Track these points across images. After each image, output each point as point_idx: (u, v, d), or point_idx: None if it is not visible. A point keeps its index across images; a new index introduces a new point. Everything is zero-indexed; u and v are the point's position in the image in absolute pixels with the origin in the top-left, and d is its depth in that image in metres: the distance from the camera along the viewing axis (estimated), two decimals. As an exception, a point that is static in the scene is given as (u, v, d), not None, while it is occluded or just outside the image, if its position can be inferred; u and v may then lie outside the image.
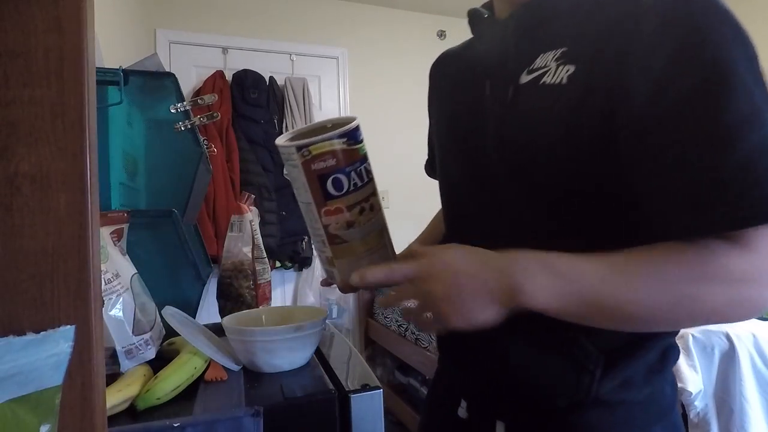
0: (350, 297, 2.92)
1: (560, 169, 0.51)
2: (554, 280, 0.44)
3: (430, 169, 0.86)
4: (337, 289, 0.65)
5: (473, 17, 0.67)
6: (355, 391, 0.65)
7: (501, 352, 0.57)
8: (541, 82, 0.52)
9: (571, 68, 0.50)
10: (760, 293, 0.42)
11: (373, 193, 0.63)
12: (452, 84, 0.70)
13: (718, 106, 0.41)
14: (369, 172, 0.62)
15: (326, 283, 0.70)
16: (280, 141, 0.59)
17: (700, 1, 0.44)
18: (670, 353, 0.56)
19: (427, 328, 0.51)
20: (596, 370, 0.51)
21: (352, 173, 0.60)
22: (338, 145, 0.57)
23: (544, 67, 0.53)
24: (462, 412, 0.63)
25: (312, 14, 3.01)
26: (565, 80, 0.50)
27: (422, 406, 0.81)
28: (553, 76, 0.51)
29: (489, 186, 0.60)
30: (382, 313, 2.68)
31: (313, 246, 0.67)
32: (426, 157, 0.87)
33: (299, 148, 0.56)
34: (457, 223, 0.70)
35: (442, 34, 3.27)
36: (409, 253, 0.55)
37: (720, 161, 0.41)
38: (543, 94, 0.52)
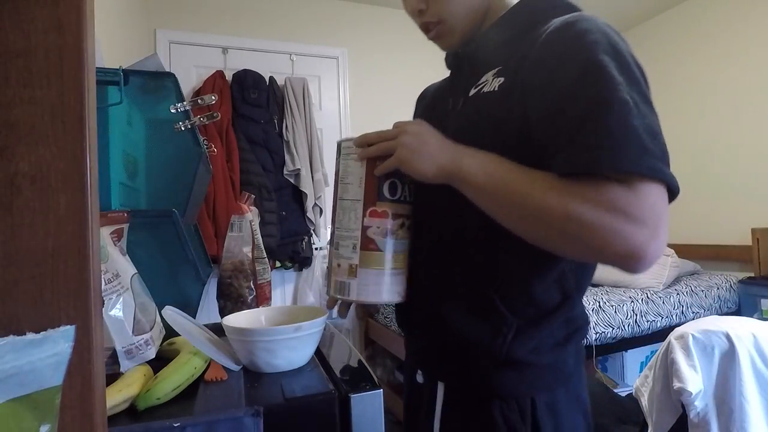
0: (350, 297, 2.91)
1: (495, 149, 0.63)
2: (483, 161, 0.60)
3: None
4: (335, 310, 0.71)
5: (446, 55, 0.83)
6: (355, 391, 0.65)
7: (439, 321, 0.68)
8: (482, 91, 0.67)
9: (502, 79, 0.65)
10: (634, 230, 0.51)
11: (411, 215, 0.67)
12: (429, 106, 0.85)
13: (596, 87, 0.54)
14: (413, 192, 0.67)
15: (333, 303, 0.72)
16: (344, 139, 0.66)
17: (583, 22, 0.59)
18: (574, 334, 0.67)
19: (383, 160, 0.63)
20: (509, 333, 0.63)
21: (407, 184, 0.65)
22: None
23: (485, 81, 0.68)
24: (419, 377, 0.75)
25: (312, 14, 3.01)
26: (497, 88, 0.65)
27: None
28: (489, 86, 0.66)
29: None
30: (382, 313, 2.68)
31: (331, 255, 0.67)
32: None
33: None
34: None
35: (442, 34, 3.26)
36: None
37: (603, 121, 0.52)
38: (482, 99, 0.67)
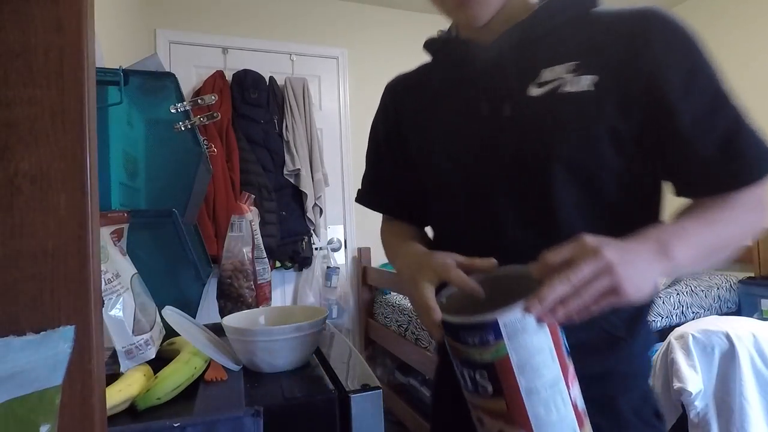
0: (350, 297, 2.92)
1: (581, 156, 0.60)
2: (686, 239, 0.54)
3: (371, 196, 0.86)
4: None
5: (435, 42, 0.75)
6: (355, 391, 0.65)
7: None
8: (560, 91, 0.59)
9: (593, 78, 0.58)
10: (764, 216, 0.58)
11: None
12: (440, 111, 0.72)
13: (727, 107, 0.57)
14: None
15: None
16: (503, 312, 0.44)
17: (687, 30, 0.58)
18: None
19: (597, 303, 0.46)
20: (626, 335, 0.62)
21: None
22: None
23: (557, 78, 0.60)
24: None
25: (312, 14, 3.01)
26: (591, 87, 0.58)
27: (433, 394, 0.83)
28: (573, 84, 0.59)
29: (525, 186, 0.63)
30: (382, 313, 2.68)
31: None
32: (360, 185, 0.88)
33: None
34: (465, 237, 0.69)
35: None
36: (546, 254, 0.50)
37: (751, 134, 0.57)
38: (566, 101, 0.59)
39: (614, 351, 0.63)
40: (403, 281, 0.64)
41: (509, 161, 0.63)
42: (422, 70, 0.79)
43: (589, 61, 0.60)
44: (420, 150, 0.75)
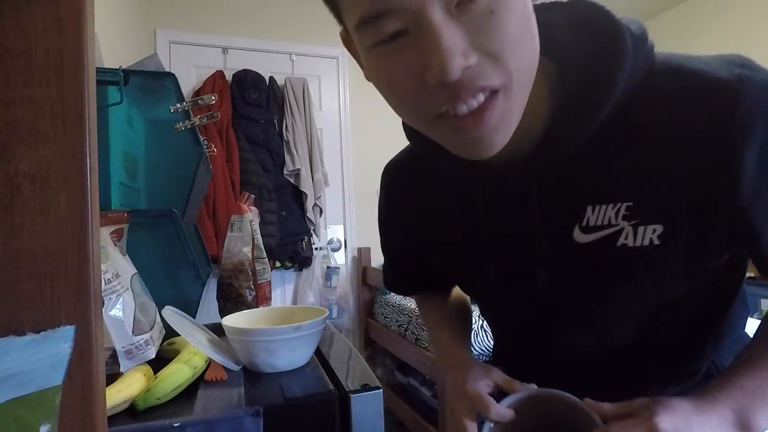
0: (350, 297, 2.92)
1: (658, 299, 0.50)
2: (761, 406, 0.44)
3: (402, 287, 0.80)
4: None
5: (420, 145, 0.57)
6: (355, 391, 0.65)
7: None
8: (619, 243, 0.46)
9: (658, 228, 0.45)
10: None
11: None
12: (443, 225, 0.61)
13: None
14: None
15: None
16: None
17: None
18: None
19: None
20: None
21: None
22: None
23: (609, 225, 0.46)
24: None
25: (312, 14, 3.01)
26: (657, 241, 0.45)
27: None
28: (635, 238, 0.46)
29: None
30: (382, 313, 2.68)
31: None
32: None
33: None
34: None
35: (442, 34, 3.26)
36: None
37: None
38: (627, 258, 0.46)
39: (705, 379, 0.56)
40: (448, 390, 0.59)
41: (556, 315, 0.55)
42: (417, 161, 0.64)
43: (647, 200, 0.45)
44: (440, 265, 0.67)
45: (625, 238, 0.46)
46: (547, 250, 0.50)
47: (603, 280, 0.49)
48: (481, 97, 0.37)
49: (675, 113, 0.42)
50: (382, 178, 0.70)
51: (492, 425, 0.50)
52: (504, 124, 0.40)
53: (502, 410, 0.48)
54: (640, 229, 0.45)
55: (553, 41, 0.46)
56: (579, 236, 0.48)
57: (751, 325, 0.56)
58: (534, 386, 0.50)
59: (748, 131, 0.39)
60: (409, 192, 0.65)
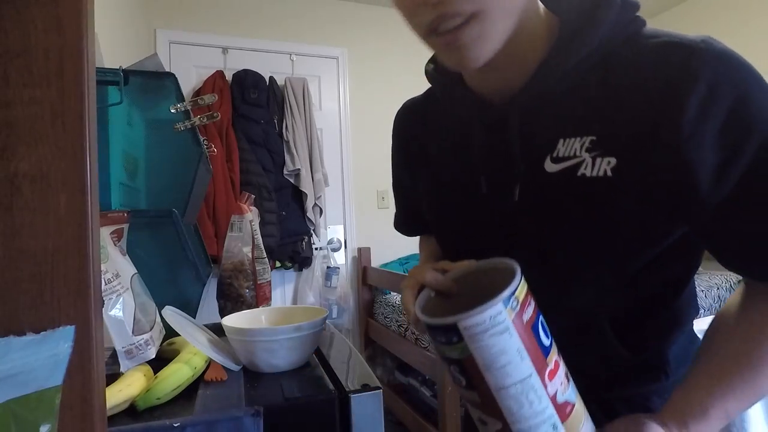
0: (350, 297, 2.92)
1: (603, 260, 0.53)
2: (709, 411, 0.48)
3: (405, 226, 0.84)
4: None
5: (435, 81, 0.64)
6: (355, 391, 0.65)
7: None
8: (579, 173, 0.51)
9: (612, 160, 0.49)
10: None
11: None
12: (438, 162, 0.67)
13: None
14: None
15: None
16: (463, 316, 0.43)
17: (740, 74, 0.45)
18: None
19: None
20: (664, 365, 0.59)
21: (540, 311, 0.49)
22: (524, 281, 0.47)
23: (574, 156, 0.51)
24: None
25: (312, 14, 3.01)
26: (609, 173, 0.49)
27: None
28: (592, 168, 0.50)
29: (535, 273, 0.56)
30: (382, 313, 2.68)
31: None
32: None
33: (507, 300, 0.43)
34: None
35: (442, 34, 3.26)
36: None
37: None
38: (584, 186, 0.51)
39: (655, 381, 0.60)
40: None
41: (519, 246, 0.57)
42: (431, 100, 0.71)
43: (607, 135, 0.50)
44: (425, 199, 0.71)
45: (585, 168, 0.51)
46: (523, 173, 0.56)
47: (563, 207, 0.53)
48: (458, 20, 0.46)
49: (644, 63, 0.48)
50: (395, 117, 0.77)
51: (432, 293, 0.54)
52: (480, 42, 0.48)
53: (438, 276, 0.54)
54: (597, 160, 0.50)
55: (559, 1, 0.54)
56: (549, 166, 0.53)
57: (700, 325, 0.57)
58: (473, 261, 0.54)
59: (695, 77, 0.44)
60: (417, 125, 0.72)
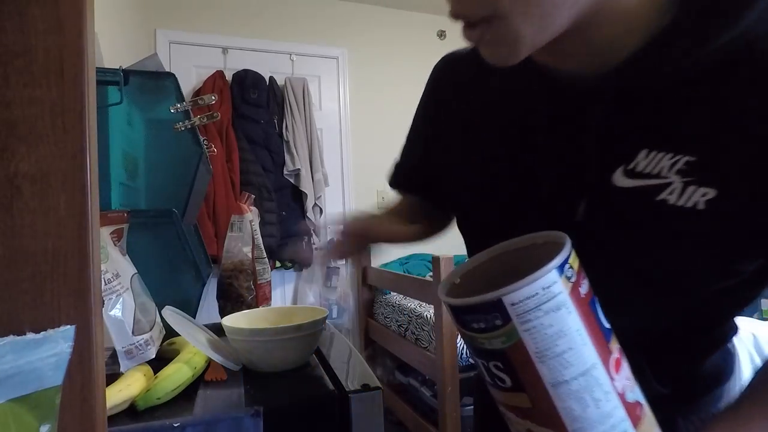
0: (350, 297, 2.92)
1: (679, 287, 0.45)
2: None
3: (406, 179, 0.74)
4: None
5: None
6: (355, 391, 0.65)
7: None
8: (660, 198, 0.41)
9: (709, 192, 0.39)
10: None
11: None
12: (482, 138, 0.55)
13: None
14: None
15: None
16: (509, 288, 0.35)
17: None
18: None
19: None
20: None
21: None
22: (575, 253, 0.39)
23: (658, 176, 0.41)
24: None
25: (312, 14, 3.01)
26: (702, 206, 0.39)
27: (476, 417, 0.75)
28: (680, 196, 0.40)
29: None
30: (382, 313, 2.68)
31: None
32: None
33: (561, 268, 0.36)
34: None
35: (442, 34, 3.27)
36: None
37: None
38: (664, 217, 0.41)
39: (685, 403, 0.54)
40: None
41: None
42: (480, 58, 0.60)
43: (712, 158, 0.39)
44: (460, 171, 0.60)
45: (669, 194, 0.40)
46: (592, 189, 0.45)
47: (631, 236, 0.43)
48: (472, 21, 0.41)
49: None
50: (434, 68, 0.67)
51: (457, 279, 0.45)
52: (502, 45, 0.41)
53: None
54: (690, 189, 0.39)
55: None
56: (619, 179, 0.43)
57: (750, 324, 0.55)
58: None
59: None
60: (459, 84, 0.61)
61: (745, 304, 0.50)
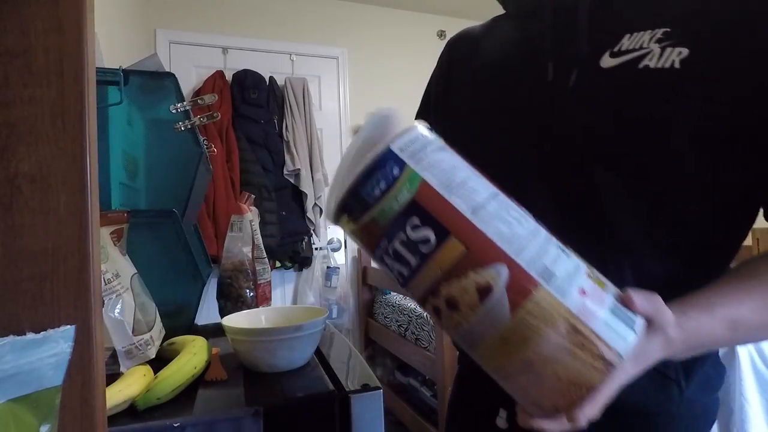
0: (350, 297, 2.92)
1: (655, 156, 0.48)
2: (707, 325, 0.43)
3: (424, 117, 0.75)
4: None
5: None
6: (355, 391, 0.65)
7: None
8: (641, 65, 0.46)
9: (683, 51, 0.44)
10: None
11: None
12: (502, 71, 0.61)
13: None
14: None
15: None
16: (394, 136, 0.37)
17: None
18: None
19: None
20: (680, 378, 0.52)
21: None
22: None
23: (640, 49, 0.47)
24: (501, 422, 0.58)
25: (312, 14, 3.01)
26: (677, 64, 0.44)
27: (448, 411, 0.74)
28: (658, 58, 0.45)
29: (572, 182, 0.52)
30: (382, 313, 2.68)
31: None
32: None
33: (425, 128, 0.41)
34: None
35: (442, 34, 3.27)
36: None
37: None
38: (645, 79, 0.46)
39: (665, 391, 0.53)
40: None
41: (556, 143, 0.52)
42: (490, 23, 0.69)
43: (684, 24, 0.45)
44: (462, 103, 0.65)
45: (649, 60, 0.46)
46: (584, 56, 0.51)
47: (617, 103, 0.48)
48: None
49: None
50: (447, 42, 0.74)
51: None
52: None
53: None
54: (667, 51, 0.45)
55: None
56: (605, 61, 0.49)
57: None
58: None
59: None
60: (464, 47, 0.69)
61: (735, 245, 0.53)
